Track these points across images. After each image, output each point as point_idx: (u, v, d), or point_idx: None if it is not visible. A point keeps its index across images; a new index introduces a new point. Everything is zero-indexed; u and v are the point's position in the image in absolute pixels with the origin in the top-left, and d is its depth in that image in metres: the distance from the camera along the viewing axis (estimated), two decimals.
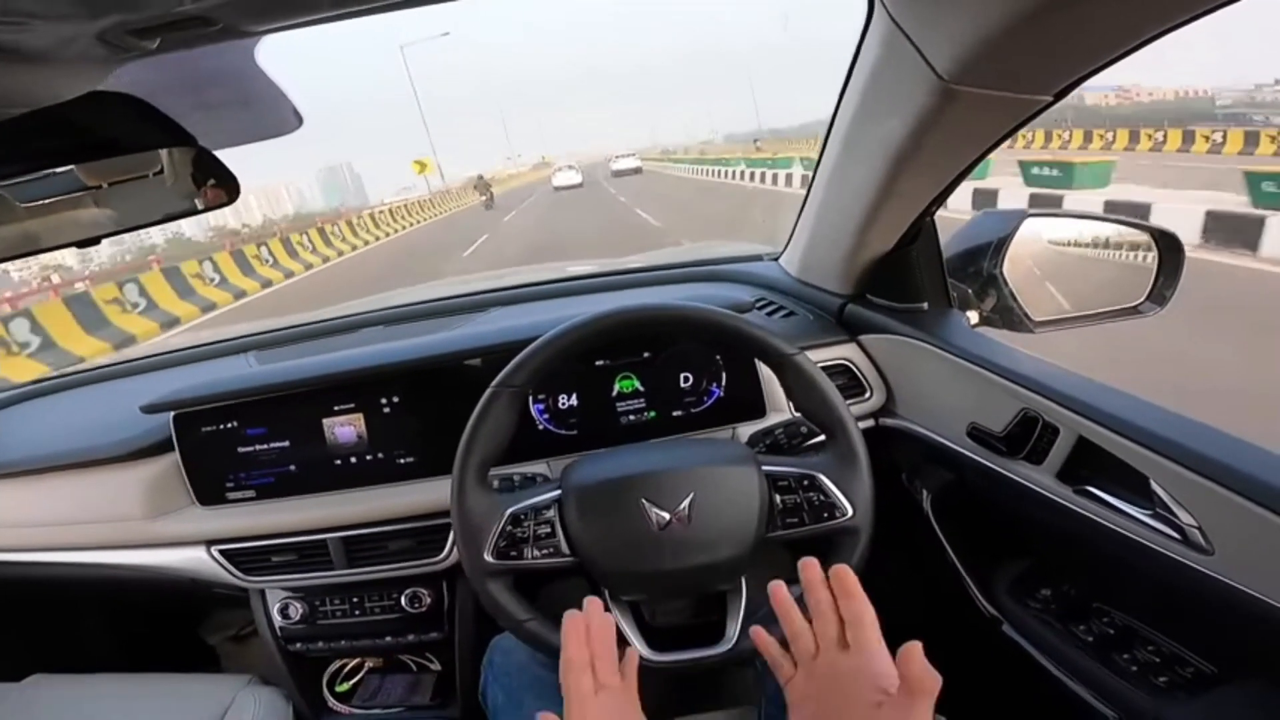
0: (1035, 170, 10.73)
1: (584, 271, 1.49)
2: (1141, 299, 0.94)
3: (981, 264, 0.96)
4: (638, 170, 31.88)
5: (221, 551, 1.08)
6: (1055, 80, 0.65)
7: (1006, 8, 0.55)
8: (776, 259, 1.30)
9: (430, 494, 1.04)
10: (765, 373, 1.07)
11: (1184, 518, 0.66)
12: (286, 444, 1.06)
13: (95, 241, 0.69)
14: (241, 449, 1.07)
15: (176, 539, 1.08)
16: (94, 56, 0.50)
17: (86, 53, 0.49)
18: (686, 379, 1.09)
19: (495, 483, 0.83)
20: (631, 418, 1.09)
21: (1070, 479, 0.79)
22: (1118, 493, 0.74)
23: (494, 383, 0.77)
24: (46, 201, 0.63)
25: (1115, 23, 0.56)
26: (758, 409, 1.09)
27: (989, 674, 0.91)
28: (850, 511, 0.74)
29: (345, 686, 1.25)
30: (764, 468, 0.76)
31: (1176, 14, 0.54)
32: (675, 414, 1.09)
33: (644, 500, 0.73)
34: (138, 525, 1.07)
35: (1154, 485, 0.68)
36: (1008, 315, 0.97)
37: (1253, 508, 0.59)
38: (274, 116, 0.78)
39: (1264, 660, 0.66)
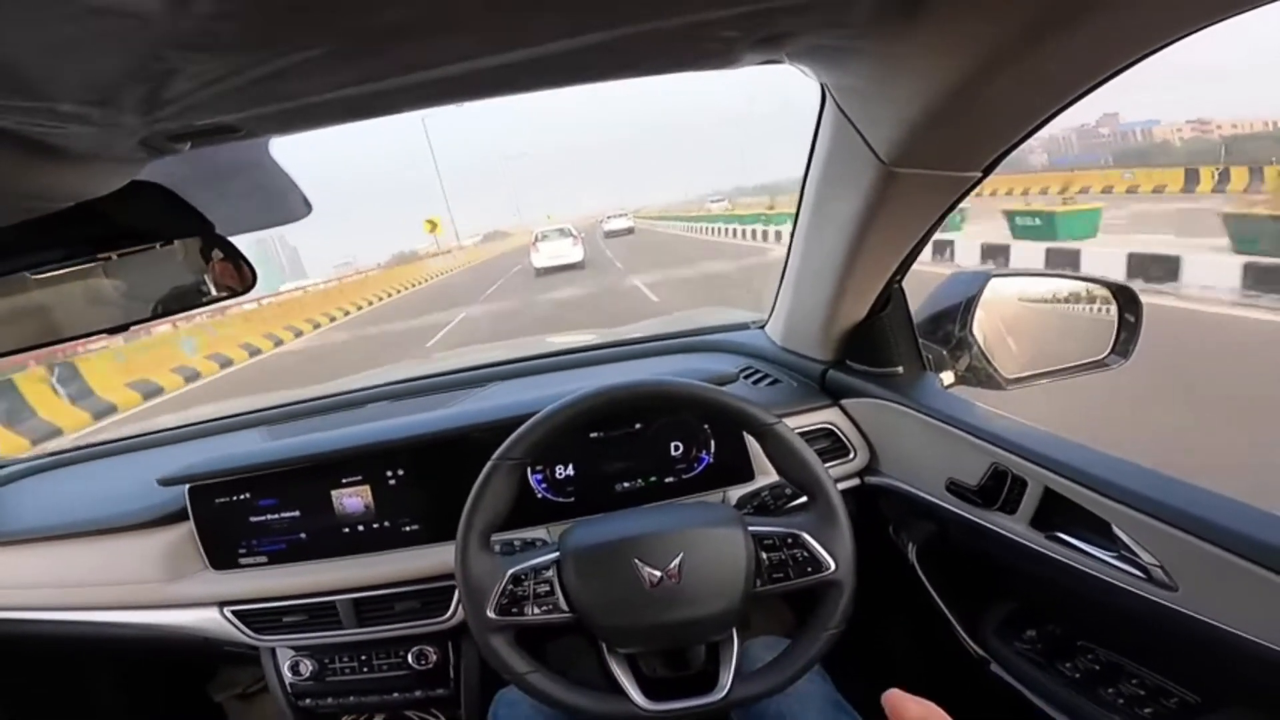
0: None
1: (578, 344, 1.56)
2: (1106, 352, 0.98)
3: (951, 326, 1.01)
4: (630, 230, 30.30)
5: (234, 612, 1.12)
6: (982, 156, 0.71)
7: (931, 89, 0.62)
8: (762, 326, 1.35)
9: (435, 559, 1.08)
10: (752, 440, 1.12)
11: (1145, 558, 0.69)
12: (297, 514, 1.11)
13: (124, 329, 0.75)
14: (254, 518, 1.12)
15: (191, 600, 1.12)
16: (134, 158, 0.58)
17: (128, 154, 0.56)
18: (677, 447, 1.13)
19: (497, 547, 0.88)
20: (625, 485, 1.13)
21: (1042, 526, 0.82)
22: (1085, 537, 0.78)
23: (494, 456, 0.82)
24: (73, 287, 0.70)
25: (1029, 94, 0.62)
26: (746, 473, 1.13)
27: (979, 713, 0.92)
28: (833, 566, 0.77)
29: None
30: (750, 528, 0.79)
31: (1094, 75, 0.59)
32: (668, 480, 1.13)
33: (637, 560, 0.77)
34: (154, 588, 1.12)
35: (1115, 529, 0.72)
36: (980, 374, 1.01)
37: (1207, 547, 0.63)
38: (286, 205, 0.85)
39: (1244, 689, 0.68)
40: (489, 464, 0.82)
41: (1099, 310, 0.99)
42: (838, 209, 0.87)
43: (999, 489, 0.87)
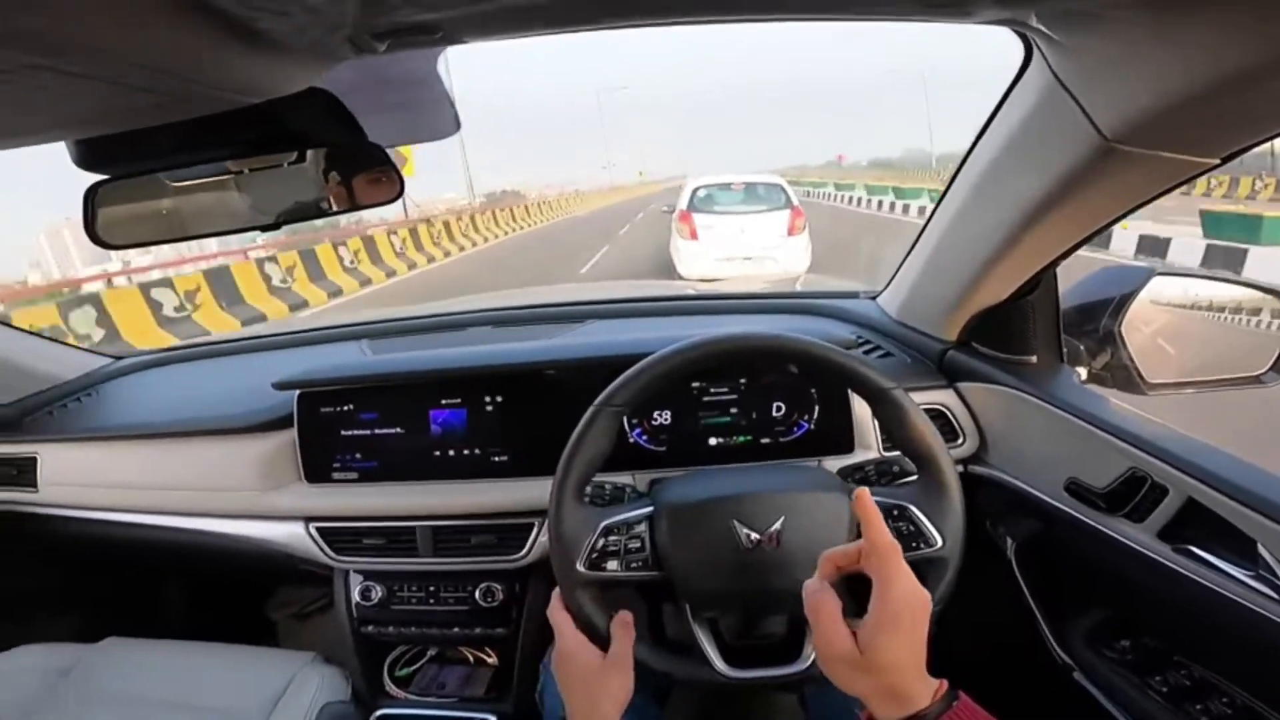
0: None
1: (678, 293, 1.52)
2: (1265, 368, 0.92)
3: (1100, 320, 0.95)
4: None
5: (319, 529, 1.12)
6: (1225, 144, 0.64)
7: (1186, 78, 0.56)
8: (874, 298, 1.30)
9: (519, 493, 1.07)
10: (858, 411, 1.08)
11: None
12: (394, 430, 1.10)
13: (276, 227, 0.73)
14: (353, 431, 1.11)
15: (281, 513, 1.13)
16: (333, 55, 0.53)
17: (331, 51, 0.52)
18: (779, 408, 1.10)
19: (588, 495, 0.85)
20: (721, 440, 1.10)
21: (1171, 538, 0.79)
22: (1221, 554, 0.74)
23: (597, 401, 0.79)
24: (239, 181, 0.68)
25: None
26: (846, 444, 1.09)
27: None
28: (940, 542, 0.74)
29: (405, 672, 1.27)
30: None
31: None
32: (764, 441, 1.10)
33: (735, 521, 0.74)
34: (248, 496, 1.13)
35: (1261, 549, 0.69)
36: (1121, 374, 0.96)
37: None
38: (437, 121, 0.82)
39: None
40: (592, 408, 0.78)
41: (1266, 325, 0.93)
42: (1019, 181, 0.81)
43: (1131, 494, 0.82)
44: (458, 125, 0.82)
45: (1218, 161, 0.66)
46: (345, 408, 1.10)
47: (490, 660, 1.28)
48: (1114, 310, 0.94)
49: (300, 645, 1.27)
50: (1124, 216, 0.79)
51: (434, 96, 0.76)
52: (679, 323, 1.36)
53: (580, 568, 0.75)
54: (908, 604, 0.56)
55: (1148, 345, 0.95)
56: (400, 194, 0.74)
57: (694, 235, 7.44)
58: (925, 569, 0.75)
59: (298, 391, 1.10)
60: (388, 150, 0.71)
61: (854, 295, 1.36)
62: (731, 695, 1.08)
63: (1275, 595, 0.67)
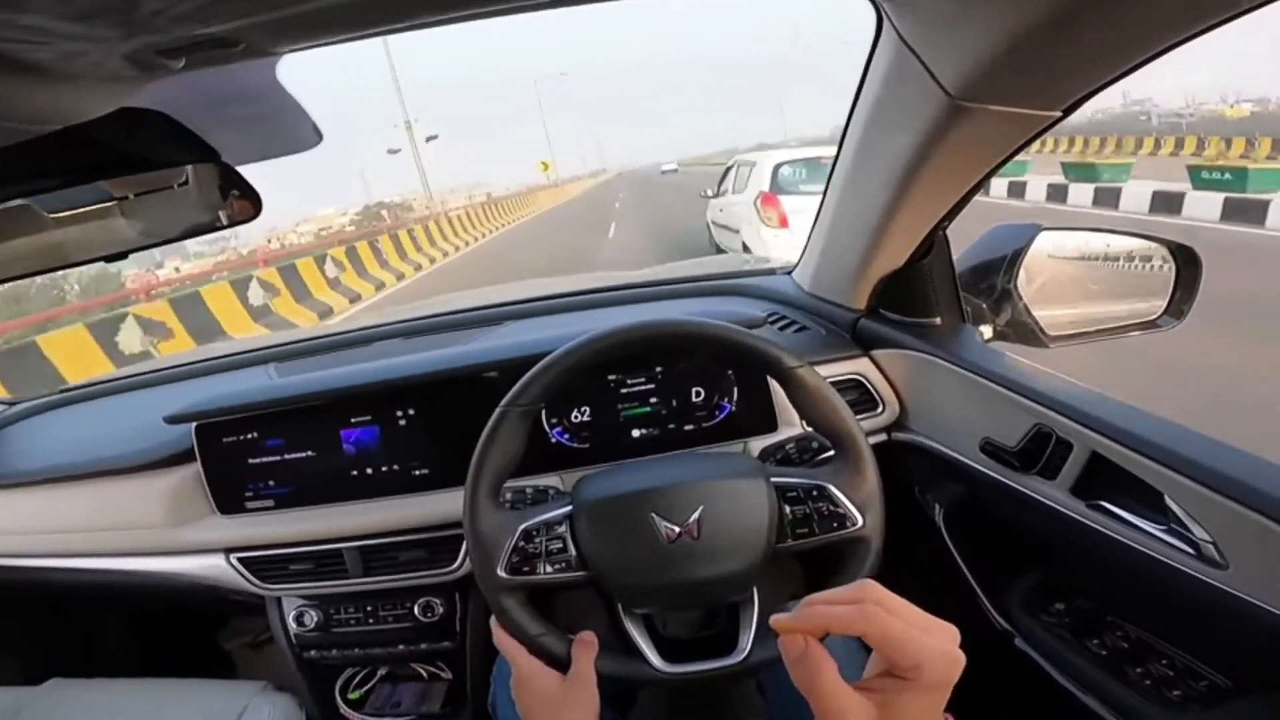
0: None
1: (598, 285, 1.50)
2: (1159, 313, 0.93)
3: (995, 278, 0.96)
4: (675, 170, 53.69)
5: (240, 559, 1.09)
6: (1065, 95, 0.65)
7: (1014, 26, 0.55)
8: (789, 272, 1.30)
9: (444, 505, 1.05)
10: (777, 387, 1.07)
11: (1198, 533, 0.65)
12: (305, 455, 1.08)
13: (123, 256, 0.71)
14: (261, 459, 1.08)
15: (197, 547, 1.10)
16: (123, 76, 0.51)
17: (116, 72, 0.50)
18: (698, 394, 1.09)
19: (508, 495, 0.84)
20: (643, 432, 1.09)
21: (1084, 494, 0.78)
22: (1132, 508, 0.73)
23: (503, 402, 0.77)
24: (74, 214, 0.66)
25: (1126, 36, 0.56)
26: (769, 424, 1.08)
27: (1001, 687, 0.90)
28: (860, 521, 0.73)
29: (357, 694, 1.26)
30: (773, 479, 0.75)
31: (1186, 26, 0.54)
32: (687, 428, 1.09)
33: (654, 514, 0.73)
34: (159, 533, 1.09)
35: (1169, 501, 0.68)
36: (1022, 330, 0.96)
37: (1269, 524, 0.59)
38: (294, 133, 0.80)
39: (1278, 673, 0.65)
40: (497, 411, 0.77)
41: (1156, 268, 0.94)
42: (887, 147, 0.81)
43: (1040, 451, 0.82)
44: (319, 136, 0.80)
45: (1060, 114, 0.66)
46: (249, 435, 1.08)
47: (445, 675, 1.26)
48: (1007, 267, 0.94)
49: (256, 675, 1.26)
50: (990, 175, 0.79)
51: (285, 108, 0.74)
52: (598, 315, 1.34)
53: (501, 573, 0.74)
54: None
55: (1044, 300, 0.96)
56: (257, 213, 0.72)
57: (784, 223, 6.02)
58: (848, 549, 0.74)
59: (194, 424, 1.08)
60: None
61: (771, 272, 1.36)
62: (691, 691, 1.08)
63: (1189, 549, 0.66)
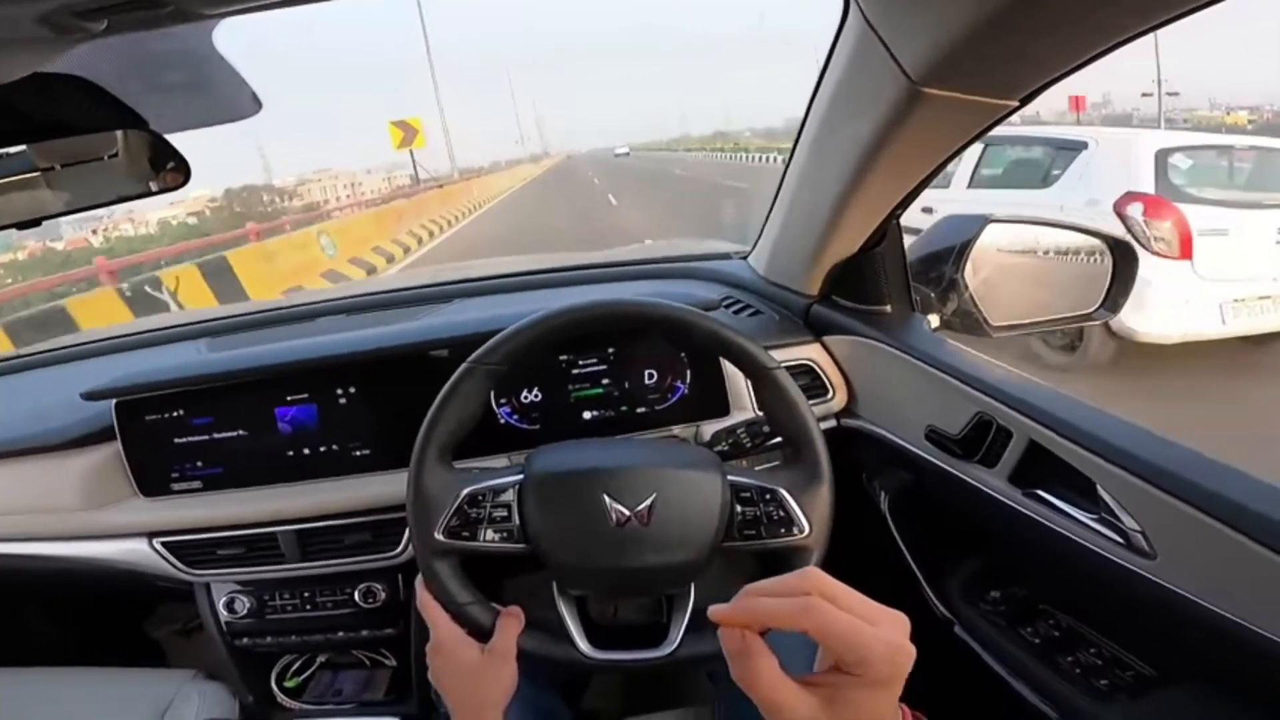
0: None
1: (550, 265, 1.47)
2: (1096, 305, 0.97)
3: (944, 268, 0.97)
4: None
5: (164, 543, 1.04)
6: (1021, 84, 0.65)
7: (977, 12, 0.55)
8: (745, 257, 1.30)
9: (387, 487, 1.02)
10: (729, 371, 1.07)
11: (1128, 522, 0.67)
12: (235, 434, 1.03)
13: (37, 223, 0.66)
14: (188, 439, 1.03)
15: (116, 530, 1.04)
16: (39, 38, 0.47)
17: (31, 35, 0.45)
18: (651, 376, 1.08)
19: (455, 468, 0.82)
20: (595, 413, 1.08)
21: (1021, 482, 0.80)
22: (1065, 496, 0.76)
23: (469, 359, 0.75)
24: (32, 184, 0.61)
25: (1082, 26, 0.57)
26: (721, 407, 1.08)
27: (940, 675, 0.93)
28: (807, 530, 0.73)
29: (295, 682, 1.21)
30: (729, 477, 0.75)
31: (1143, 20, 0.54)
32: (639, 410, 1.08)
33: (606, 495, 0.72)
34: (75, 516, 1.03)
35: (1100, 490, 0.70)
36: (968, 319, 0.98)
37: (1195, 514, 0.61)
38: (231, 101, 0.75)
39: (1203, 663, 0.68)
40: (462, 367, 0.74)
41: (1094, 261, 0.97)
42: (847, 132, 0.81)
43: (981, 440, 0.84)
44: (258, 104, 0.75)
45: (1016, 104, 0.67)
46: (174, 413, 1.02)
47: (388, 662, 1.23)
48: (955, 258, 0.96)
49: (188, 663, 1.20)
50: (945, 164, 0.80)
51: (222, 75, 0.70)
52: (550, 295, 1.32)
53: (438, 535, 0.71)
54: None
55: (989, 291, 0.98)
56: (186, 181, 0.67)
57: (1187, 249, 3.50)
58: (790, 555, 0.74)
59: (114, 401, 1.01)
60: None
61: (726, 256, 1.36)
62: (642, 678, 1.08)
63: (1118, 539, 0.68)
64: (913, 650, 0.43)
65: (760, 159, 26.21)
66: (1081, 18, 0.55)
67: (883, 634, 0.42)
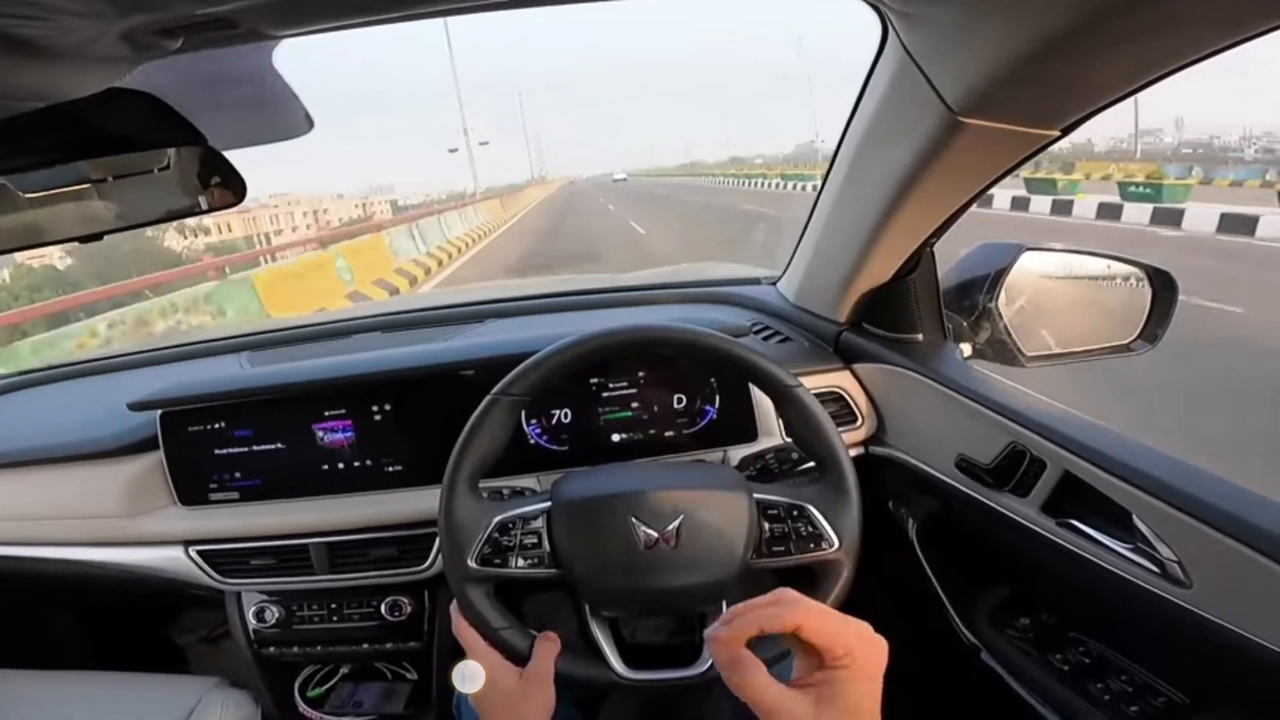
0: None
1: (581, 287, 1.49)
2: (1133, 336, 0.95)
3: (977, 297, 0.97)
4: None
5: (200, 552, 1.06)
6: (1064, 115, 0.66)
7: (1020, 43, 0.56)
8: (774, 283, 1.30)
9: (417, 503, 1.03)
10: (758, 396, 1.07)
11: (1164, 552, 0.67)
12: (274, 447, 1.05)
13: (99, 237, 0.68)
14: (228, 450, 1.05)
15: (155, 538, 1.06)
16: (117, 55, 0.49)
17: (110, 51, 0.48)
18: (680, 400, 1.08)
19: (484, 494, 0.83)
20: (624, 436, 1.09)
21: (1054, 512, 0.80)
22: (1100, 526, 0.75)
23: (493, 390, 0.76)
24: (51, 194, 0.63)
25: (1127, 60, 0.57)
26: (749, 432, 1.08)
27: (967, 702, 0.91)
28: (836, 544, 0.73)
29: (318, 692, 1.22)
30: (755, 495, 0.75)
31: (1186, 54, 0.55)
32: (668, 434, 1.09)
33: (633, 518, 0.72)
34: (116, 523, 1.05)
35: (1136, 520, 0.70)
36: (1000, 349, 0.97)
37: (1232, 543, 0.61)
38: (286, 119, 0.77)
39: (1236, 691, 0.67)
40: (487, 398, 0.76)
41: (1133, 288, 0.95)
42: (884, 160, 0.81)
43: (1014, 469, 0.84)
44: (310, 123, 0.78)
45: (1058, 134, 0.67)
46: (216, 425, 1.04)
47: (410, 675, 1.24)
48: (989, 286, 0.95)
49: (210, 670, 1.22)
50: (982, 193, 0.80)
51: (276, 93, 0.72)
52: (581, 317, 1.33)
53: (471, 563, 0.73)
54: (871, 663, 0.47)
55: (1022, 320, 0.97)
56: (240, 199, 0.70)
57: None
58: (820, 571, 0.74)
59: (159, 411, 1.04)
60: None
61: (756, 281, 1.37)
62: (660, 697, 1.07)
63: (1153, 568, 0.68)
64: (885, 644, 0.48)
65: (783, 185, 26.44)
66: (1130, 48, 0.55)
67: (857, 629, 0.48)
